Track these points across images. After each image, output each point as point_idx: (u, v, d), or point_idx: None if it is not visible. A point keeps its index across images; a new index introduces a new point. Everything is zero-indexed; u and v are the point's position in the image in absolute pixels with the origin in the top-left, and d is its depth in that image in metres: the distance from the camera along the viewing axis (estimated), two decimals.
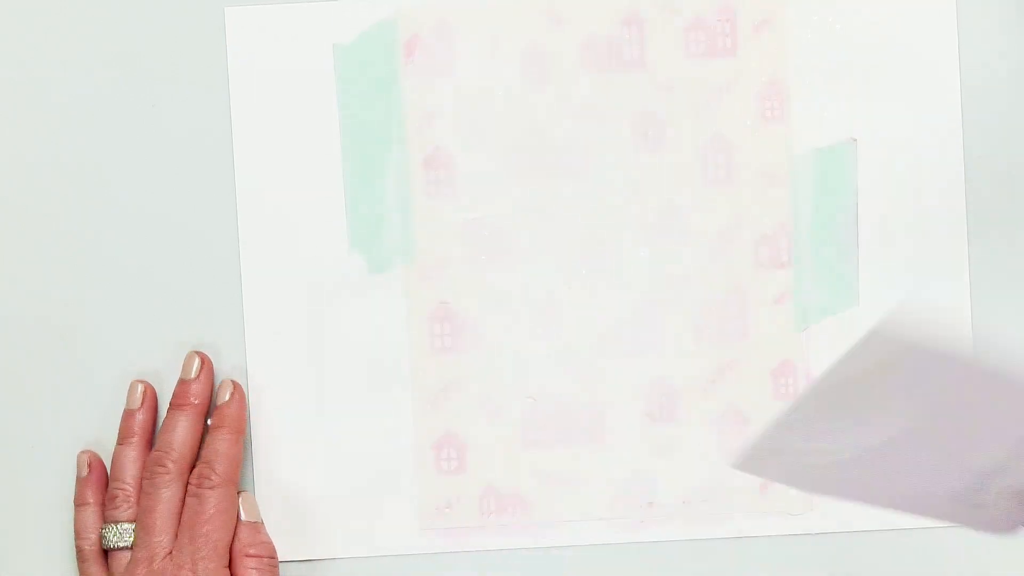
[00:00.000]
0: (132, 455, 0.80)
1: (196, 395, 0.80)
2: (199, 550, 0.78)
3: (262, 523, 0.81)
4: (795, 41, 0.81)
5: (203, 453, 0.80)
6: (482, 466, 0.81)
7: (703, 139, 0.81)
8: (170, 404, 0.81)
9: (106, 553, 0.80)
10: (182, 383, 0.81)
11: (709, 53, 0.81)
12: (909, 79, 0.81)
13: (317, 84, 0.81)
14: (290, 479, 0.82)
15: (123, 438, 0.81)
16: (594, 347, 0.81)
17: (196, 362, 0.81)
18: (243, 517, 0.80)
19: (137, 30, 0.82)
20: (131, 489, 0.80)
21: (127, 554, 0.79)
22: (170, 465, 0.79)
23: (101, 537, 0.80)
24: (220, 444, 0.80)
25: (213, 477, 0.79)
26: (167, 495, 0.79)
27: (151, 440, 0.81)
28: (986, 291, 0.81)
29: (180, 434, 0.80)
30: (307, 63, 0.81)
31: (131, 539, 0.79)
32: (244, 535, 0.80)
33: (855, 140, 0.81)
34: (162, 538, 0.78)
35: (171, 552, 0.78)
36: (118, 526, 0.79)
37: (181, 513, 0.79)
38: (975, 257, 0.81)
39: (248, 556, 0.79)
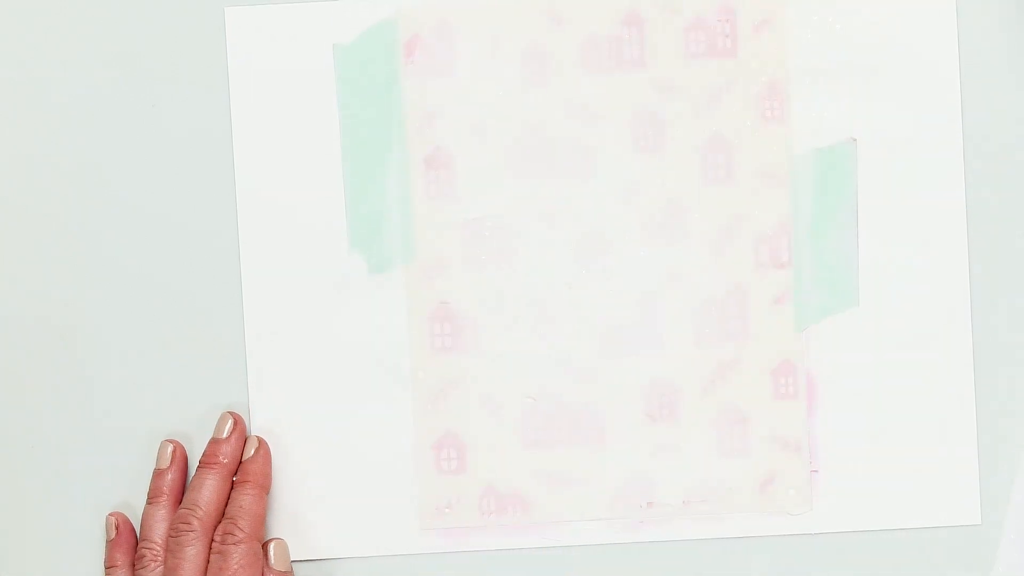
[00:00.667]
0: (161, 515, 0.81)
1: (225, 455, 0.81)
2: None
3: (291, 572, 0.81)
4: (795, 41, 0.81)
5: (228, 509, 0.80)
6: (482, 466, 0.81)
7: (703, 139, 0.81)
8: (200, 462, 0.81)
9: None
10: (213, 443, 0.81)
11: (709, 53, 0.81)
12: (909, 79, 0.81)
13: (317, 84, 0.81)
14: (290, 479, 0.82)
15: (152, 498, 0.81)
16: (594, 347, 0.81)
17: (229, 423, 0.81)
18: (272, 564, 0.80)
19: (137, 30, 0.82)
20: (159, 549, 0.80)
21: None
22: (195, 523, 0.79)
23: None
24: (244, 500, 0.80)
25: (237, 533, 0.79)
26: (192, 553, 0.79)
27: (179, 499, 0.81)
28: (986, 290, 0.81)
29: (207, 493, 0.80)
30: (307, 63, 0.81)
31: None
32: None
33: (855, 140, 0.81)
34: None
35: None
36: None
37: (206, 571, 0.79)
38: (975, 256, 0.81)
39: None
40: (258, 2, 0.81)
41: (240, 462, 0.81)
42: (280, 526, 0.82)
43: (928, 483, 0.81)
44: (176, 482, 0.81)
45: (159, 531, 0.81)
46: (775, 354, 0.81)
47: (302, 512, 0.82)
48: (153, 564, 0.80)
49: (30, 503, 0.82)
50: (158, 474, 0.81)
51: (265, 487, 0.81)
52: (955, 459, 0.81)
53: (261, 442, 0.81)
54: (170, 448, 0.82)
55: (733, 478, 0.80)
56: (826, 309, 0.81)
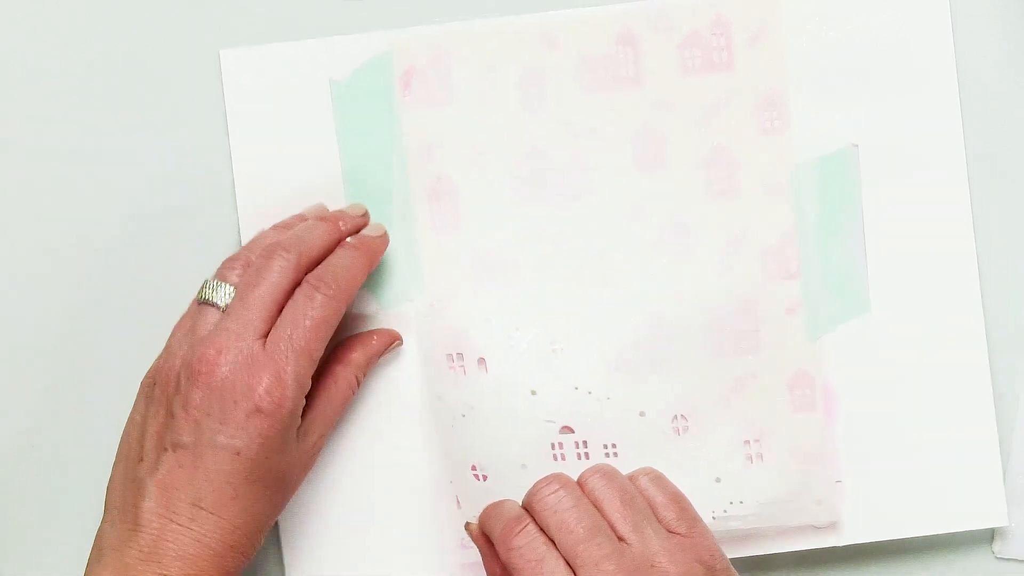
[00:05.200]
0: (272, 236, 0.77)
1: (345, 222, 0.78)
2: (298, 343, 0.74)
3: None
4: (791, 51, 0.81)
5: (329, 259, 0.77)
6: (504, 497, 0.80)
7: (704, 154, 0.81)
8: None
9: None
10: (338, 210, 0.79)
11: (705, 68, 0.81)
12: (906, 81, 0.81)
13: (316, 121, 0.81)
14: (297, 511, 0.81)
15: (276, 226, 0.78)
16: (609, 369, 0.80)
17: (364, 209, 0.79)
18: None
19: (133, 78, 0.82)
20: (254, 260, 0.76)
21: (213, 314, 0.75)
22: (293, 255, 0.75)
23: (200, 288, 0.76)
24: (346, 259, 0.77)
25: (332, 284, 0.75)
26: (277, 279, 0.75)
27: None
28: (997, 285, 0.81)
29: (312, 236, 0.76)
30: (304, 100, 0.81)
31: (231, 300, 0.75)
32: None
33: (856, 146, 0.81)
34: (256, 318, 0.74)
35: (265, 337, 0.74)
36: (221, 284, 0.76)
37: (282, 305, 0.75)
38: (983, 253, 0.81)
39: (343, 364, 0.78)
40: (252, 42, 0.81)
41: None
42: (299, 561, 0.81)
43: (952, 486, 0.81)
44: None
45: (261, 247, 0.76)
46: (790, 366, 0.80)
47: (320, 546, 0.81)
48: (240, 270, 0.76)
49: (30, 503, 0.82)
50: (296, 216, 0.79)
51: (373, 263, 0.78)
52: (978, 460, 0.81)
53: (385, 233, 0.79)
54: (323, 209, 0.79)
55: (757, 494, 0.79)
56: (838, 317, 0.81)
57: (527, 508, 0.72)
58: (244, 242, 0.81)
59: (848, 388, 0.81)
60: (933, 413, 0.81)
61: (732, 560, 0.78)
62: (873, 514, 0.81)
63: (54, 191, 0.82)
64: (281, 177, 0.81)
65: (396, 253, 0.81)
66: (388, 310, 0.81)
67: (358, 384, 0.79)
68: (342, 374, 0.78)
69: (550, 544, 0.70)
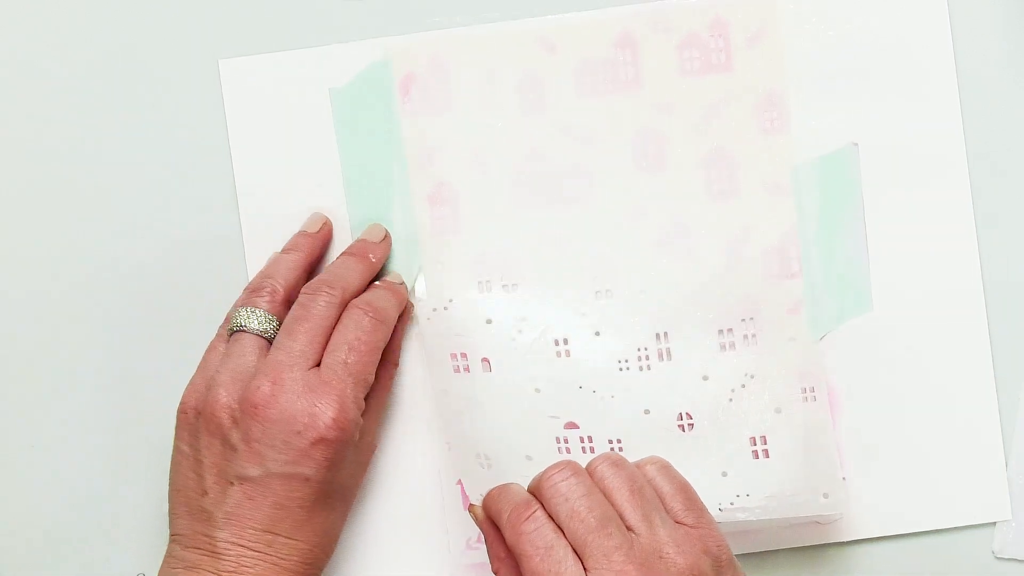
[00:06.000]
0: (290, 261, 0.78)
1: (374, 253, 0.79)
2: (354, 367, 0.75)
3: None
4: (790, 51, 0.81)
5: (369, 291, 0.78)
6: (510, 477, 0.80)
7: (704, 155, 0.81)
8: (345, 252, 0.79)
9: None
10: (362, 241, 0.79)
11: (704, 69, 0.81)
12: (906, 79, 0.81)
13: (316, 129, 0.81)
14: None
15: (287, 249, 0.79)
16: (613, 371, 0.80)
17: (383, 230, 0.80)
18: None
19: (134, 89, 0.82)
20: (279, 287, 0.77)
21: (251, 341, 0.76)
22: (338, 292, 0.76)
23: (230, 318, 0.77)
24: (384, 295, 0.78)
25: (380, 310, 0.76)
26: (324, 312, 0.75)
27: (312, 265, 0.79)
28: (999, 281, 0.81)
29: (351, 273, 0.77)
30: (304, 109, 0.81)
31: (267, 325, 0.76)
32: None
33: (856, 144, 0.81)
34: (307, 349, 0.75)
35: (314, 368, 0.75)
36: (253, 311, 0.76)
37: (327, 339, 0.75)
38: (985, 250, 0.81)
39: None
40: (251, 52, 0.81)
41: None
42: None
43: (955, 482, 0.81)
44: (316, 248, 0.79)
45: (284, 273, 0.77)
46: (793, 365, 0.80)
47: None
48: (269, 296, 0.76)
49: (30, 503, 0.82)
50: (300, 234, 0.79)
51: (396, 315, 0.78)
52: (981, 455, 0.81)
53: (404, 285, 0.80)
54: (323, 218, 0.80)
55: (764, 487, 0.80)
56: (841, 316, 0.81)
57: (535, 493, 0.71)
58: (248, 253, 0.81)
59: (851, 386, 0.81)
60: (936, 410, 0.81)
61: (737, 556, 0.79)
62: (877, 510, 0.81)
63: (55, 205, 0.82)
64: (283, 186, 0.81)
65: (398, 257, 0.81)
66: None
67: (397, 363, 0.80)
68: (381, 367, 0.78)
69: (559, 531, 0.70)
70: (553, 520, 0.70)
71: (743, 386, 0.80)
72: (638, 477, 0.72)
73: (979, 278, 0.81)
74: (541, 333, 0.80)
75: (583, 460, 0.75)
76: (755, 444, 0.80)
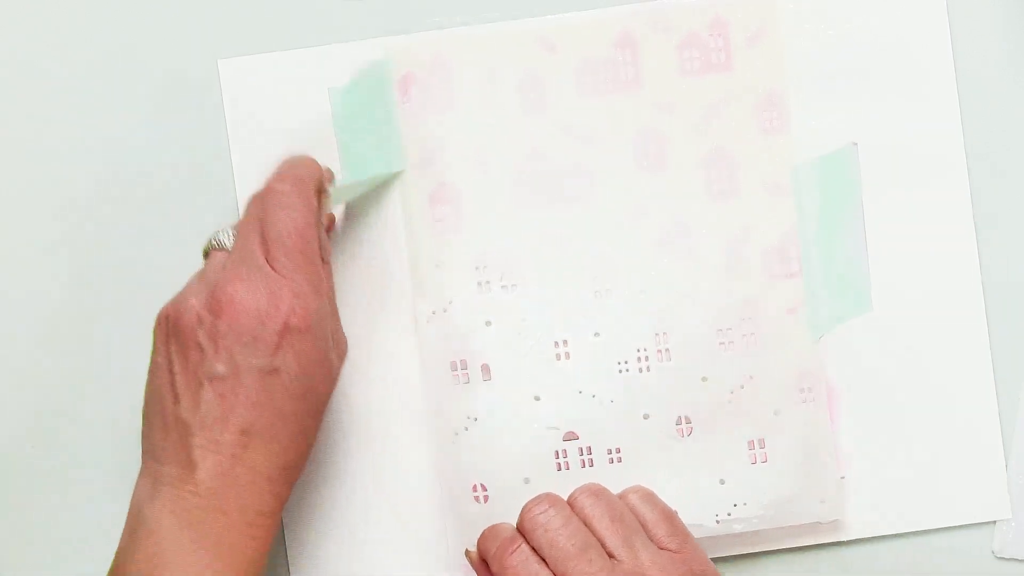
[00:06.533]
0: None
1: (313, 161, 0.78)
2: (293, 247, 0.74)
3: None
4: (789, 51, 0.81)
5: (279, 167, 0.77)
6: (506, 503, 0.80)
7: (705, 155, 0.81)
8: (285, 160, 0.78)
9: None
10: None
11: (704, 69, 0.81)
12: (905, 79, 0.81)
13: (316, 129, 0.81)
14: (303, 514, 0.81)
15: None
16: (613, 372, 0.80)
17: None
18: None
19: (133, 90, 0.82)
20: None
21: (222, 256, 0.75)
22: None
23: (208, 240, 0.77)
24: (295, 159, 0.77)
25: (290, 176, 0.76)
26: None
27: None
28: (999, 282, 0.81)
29: (300, 167, 0.76)
30: (304, 109, 0.81)
31: (233, 241, 0.76)
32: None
33: (856, 144, 0.81)
34: (257, 244, 0.74)
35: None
36: (225, 230, 0.76)
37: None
38: (984, 250, 0.81)
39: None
40: (251, 52, 0.81)
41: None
42: (301, 564, 0.81)
43: (955, 481, 0.81)
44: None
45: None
46: (792, 365, 0.80)
47: (327, 557, 0.81)
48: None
49: (30, 503, 0.82)
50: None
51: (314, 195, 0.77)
52: (981, 455, 0.81)
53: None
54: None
55: (761, 495, 0.80)
56: (840, 316, 0.81)
57: (519, 529, 0.73)
58: None
59: (850, 386, 0.81)
60: (935, 410, 0.81)
61: (732, 557, 0.79)
62: (877, 510, 0.81)
63: (54, 202, 0.82)
64: None
65: (397, 258, 0.81)
66: (388, 316, 0.81)
67: (327, 261, 0.78)
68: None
69: (543, 563, 0.71)
70: (537, 553, 0.71)
71: (742, 387, 0.80)
72: (618, 505, 0.73)
73: (979, 278, 0.81)
74: (541, 334, 0.80)
75: (582, 476, 0.76)
76: (753, 448, 0.80)
